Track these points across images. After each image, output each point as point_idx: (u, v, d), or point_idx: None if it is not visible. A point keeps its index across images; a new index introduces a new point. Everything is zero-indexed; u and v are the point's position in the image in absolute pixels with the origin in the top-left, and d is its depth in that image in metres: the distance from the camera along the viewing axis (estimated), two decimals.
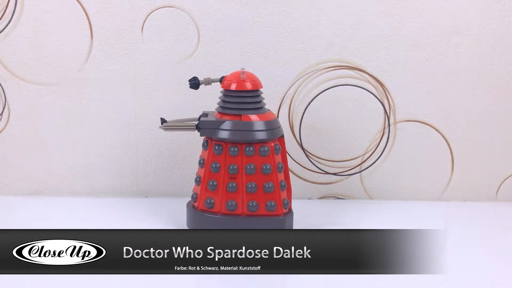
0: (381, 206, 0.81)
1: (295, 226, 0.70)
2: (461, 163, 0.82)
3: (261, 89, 0.68)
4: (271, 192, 0.66)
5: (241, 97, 0.66)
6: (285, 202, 0.67)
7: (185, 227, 0.70)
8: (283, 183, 0.67)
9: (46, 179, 0.82)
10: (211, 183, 0.66)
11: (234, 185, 0.65)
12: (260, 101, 0.67)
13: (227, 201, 0.65)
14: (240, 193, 0.66)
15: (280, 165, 0.67)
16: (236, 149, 0.65)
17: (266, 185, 0.65)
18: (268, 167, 0.65)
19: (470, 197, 0.83)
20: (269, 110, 0.69)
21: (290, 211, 0.68)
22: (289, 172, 0.82)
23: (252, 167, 0.65)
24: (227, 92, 0.67)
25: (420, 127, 0.81)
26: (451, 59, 0.79)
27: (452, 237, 0.72)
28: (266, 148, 0.65)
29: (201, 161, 0.68)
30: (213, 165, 0.65)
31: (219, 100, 0.68)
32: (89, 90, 0.79)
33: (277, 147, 0.67)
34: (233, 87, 0.66)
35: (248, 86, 0.66)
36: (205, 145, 0.68)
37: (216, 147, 0.66)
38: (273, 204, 0.66)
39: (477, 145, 0.81)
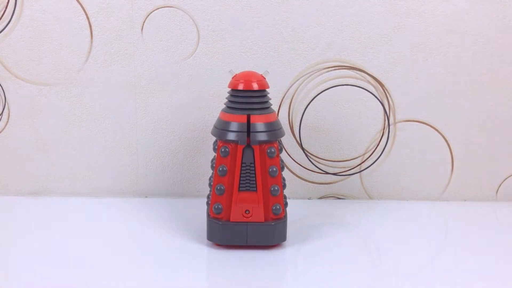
0: (381, 206, 0.81)
1: (294, 227, 0.70)
2: (461, 163, 0.82)
3: (267, 89, 0.66)
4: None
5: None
6: (278, 207, 0.65)
7: (184, 226, 0.70)
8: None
9: (46, 179, 0.82)
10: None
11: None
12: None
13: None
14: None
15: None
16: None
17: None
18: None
19: (470, 197, 0.83)
20: (274, 111, 0.67)
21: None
22: (290, 172, 0.82)
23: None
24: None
25: (420, 127, 0.81)
26: (451, 59, 0.79)
27: (452, 237, 0.72)
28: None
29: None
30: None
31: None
32: (89, 90, 0.79)
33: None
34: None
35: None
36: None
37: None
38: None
39: (477, 145, 0.81)
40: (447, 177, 0.82)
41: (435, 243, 0.70)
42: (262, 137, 0.63)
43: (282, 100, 0.80)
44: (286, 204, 0.67)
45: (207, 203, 0.66)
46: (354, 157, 0.81)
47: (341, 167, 0.82)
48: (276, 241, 0.65)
